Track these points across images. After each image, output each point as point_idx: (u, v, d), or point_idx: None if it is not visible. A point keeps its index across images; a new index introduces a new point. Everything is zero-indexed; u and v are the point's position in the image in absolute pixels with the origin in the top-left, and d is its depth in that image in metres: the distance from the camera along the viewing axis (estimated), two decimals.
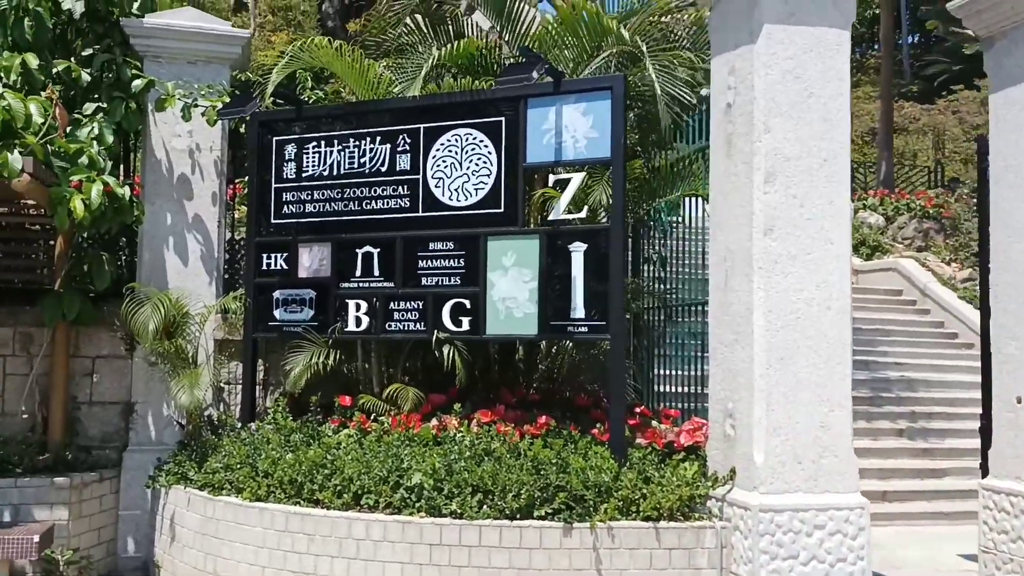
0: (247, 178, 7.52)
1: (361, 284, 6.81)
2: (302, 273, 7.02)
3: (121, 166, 7.90)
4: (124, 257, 7.74)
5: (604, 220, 6.73)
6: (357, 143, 6.92)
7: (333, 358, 6.80)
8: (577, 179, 6.21)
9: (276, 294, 7.08)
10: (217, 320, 7.56)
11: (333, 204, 6.96)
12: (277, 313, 7.07)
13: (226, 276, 7.85)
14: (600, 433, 6.16)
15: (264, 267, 7.14)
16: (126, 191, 6.79)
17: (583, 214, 6.28)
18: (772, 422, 5.45)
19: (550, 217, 6.33)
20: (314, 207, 7.03)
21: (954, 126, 22.17)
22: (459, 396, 7.05)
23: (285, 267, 7.07)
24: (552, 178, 6.33)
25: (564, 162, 6.25)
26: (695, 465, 5.87)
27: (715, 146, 6.02)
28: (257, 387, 7.47)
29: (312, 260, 6.99)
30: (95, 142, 6.93)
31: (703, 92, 6.94)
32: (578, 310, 6.13)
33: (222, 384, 7.40)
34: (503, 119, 6.45)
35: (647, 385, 8.38)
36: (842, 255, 5.64)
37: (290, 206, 7.11)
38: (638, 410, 6.92)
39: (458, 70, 7.18)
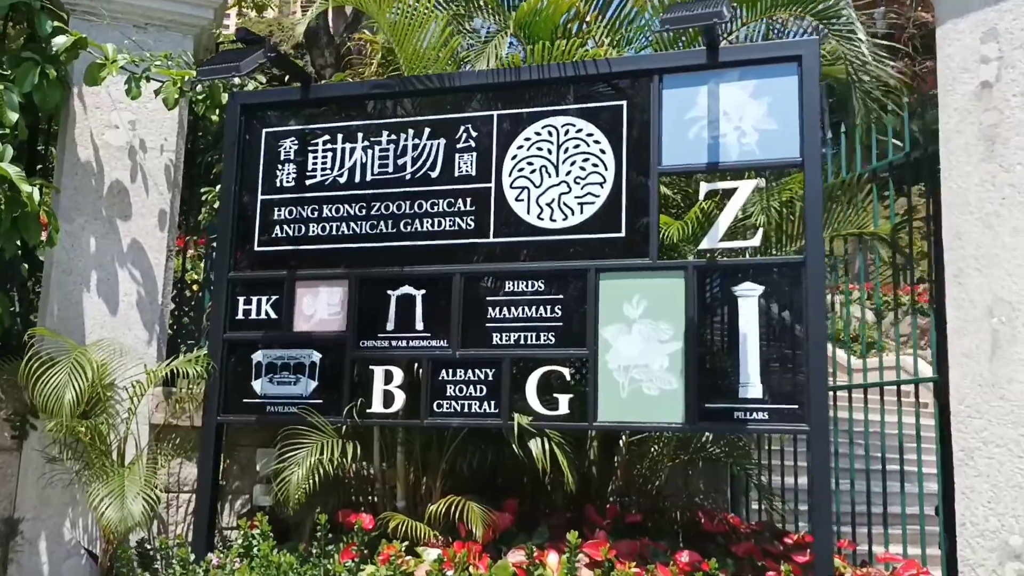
0: (219, 189, 5.18)
1: (395, 343, 4.52)
2: (301, 325, 4.68)
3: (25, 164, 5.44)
4: (21, 297, 5.23)
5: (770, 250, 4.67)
6: (394, 137, 4.72)
7: (352, 454, 4.44)
8: (746, 189, 4.15)
9: (258, 356, 4.70)
10: (156, 396, 5.12)
11: (353, 224, 4.70)
12: (258, 385, 4.68)
13: (170, 331, 5.44)
14: None
15: (240, 315, 4.78)
16: (35, 193, 4.43)
17: (756, 241, 4.21)
18: None
19: (703, 245, 4.23)
20: (323, 228, 4.75)
21: None
22: (520, 513, 4.78)
23: (273, 316, 4.73)
24: (704, 188, 4.26)
25: (724, 166, 4.20)
26: None
27: (954, 149, 4.09)
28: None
29: (317, 306, 4.68)
30: None
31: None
32: (752, 386, 3.99)
33: (157, 493, 4.84)
34: (624, 103, 4.40)
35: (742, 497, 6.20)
36: None
37: (285, 227, 4.81)
38: (791, 539, 4.75)
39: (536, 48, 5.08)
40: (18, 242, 4.53)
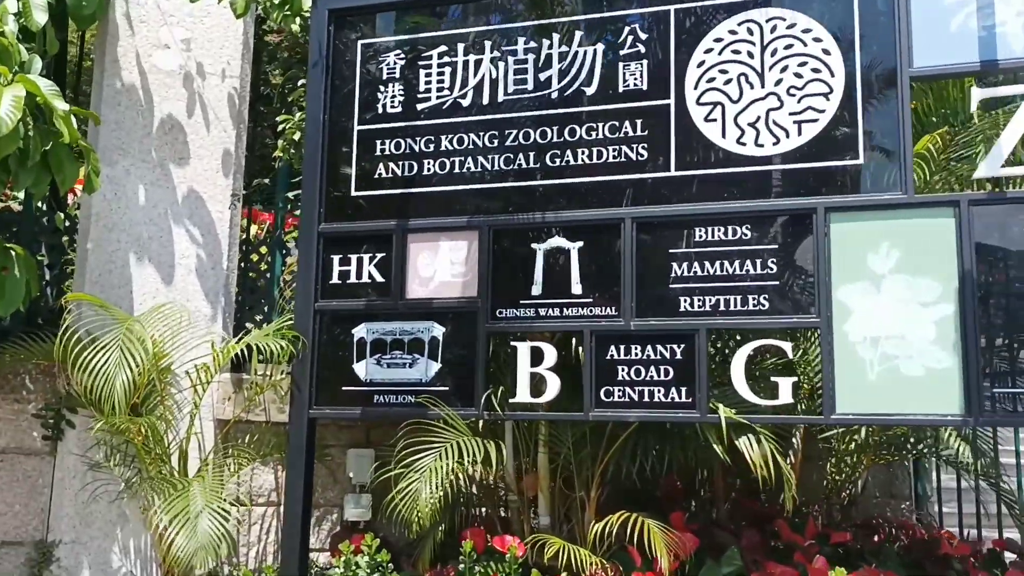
0: (300, 117, 4.10)
1: (543, 311, 3.43)
2: (417, 290, 3.60)
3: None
4: (52, 261, 4.17)
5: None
6: (533, 44, 3.63)
7: (497, 456, 3.35)
8: None
9: (361, 331, 3.62)
10: (224, 384, 4.06)
11: (482, 159, 3.61)
12: (362, 368, 3.60)
13: (237, 302, 4.38)
14: None
15: (335, 279, 3.70)
16: (71, 116, 3.36)
17: None
18: None
19: (978, 174, 3.13)
20: (441, 165, 3.66)
21: None
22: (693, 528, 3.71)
23: (380, 279, 3.65)
24: (977, 94, 3.14)
25: (1007, 64, 3.09)
26: None
27: None
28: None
29: (438, 265, 3.59)
30: (14, 19, 3.50)
31: None
32: None
33: (227, 507, 3.75)
34: None
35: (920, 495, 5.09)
36: None
37: (391, 164, 3.73)
38: None
39: None
40: (49, 185, 3.45)
